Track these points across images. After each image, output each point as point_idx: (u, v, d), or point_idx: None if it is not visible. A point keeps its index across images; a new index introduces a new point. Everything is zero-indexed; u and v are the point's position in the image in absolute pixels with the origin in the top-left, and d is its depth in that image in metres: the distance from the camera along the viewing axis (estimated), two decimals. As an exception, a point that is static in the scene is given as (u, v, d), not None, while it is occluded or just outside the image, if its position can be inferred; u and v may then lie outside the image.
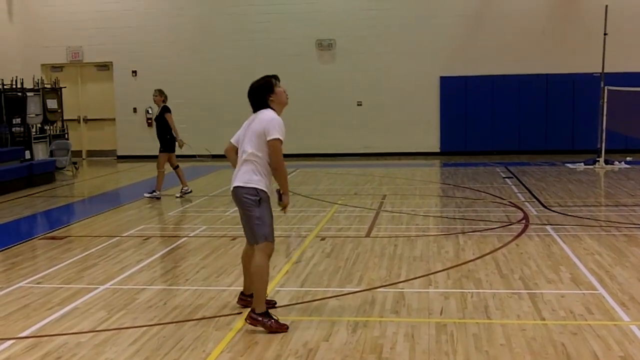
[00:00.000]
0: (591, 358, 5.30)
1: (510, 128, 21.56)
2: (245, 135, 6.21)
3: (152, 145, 22.99)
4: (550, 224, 10.38)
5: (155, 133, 14.20)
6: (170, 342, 5.84)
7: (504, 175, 16.56)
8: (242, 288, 6.80)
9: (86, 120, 23.87)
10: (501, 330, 5.94)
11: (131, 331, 6.16)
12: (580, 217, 10.98)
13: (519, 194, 13.55)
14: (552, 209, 11.83)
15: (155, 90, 14.25)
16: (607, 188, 14.62)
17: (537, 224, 10.51)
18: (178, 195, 14.05)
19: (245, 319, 6.08)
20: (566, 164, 18.31)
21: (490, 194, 13.68)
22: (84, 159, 23.61)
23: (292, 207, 12.37)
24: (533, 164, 18.85)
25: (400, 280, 7.63)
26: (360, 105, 22.28)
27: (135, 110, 23.31)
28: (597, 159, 17.91)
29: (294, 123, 21.21)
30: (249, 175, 6.10)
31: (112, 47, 22.97)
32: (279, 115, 6.21)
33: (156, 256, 9.04)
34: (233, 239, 9.81)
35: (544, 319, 6.18)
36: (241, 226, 6.35)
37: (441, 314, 6.39)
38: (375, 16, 21.89)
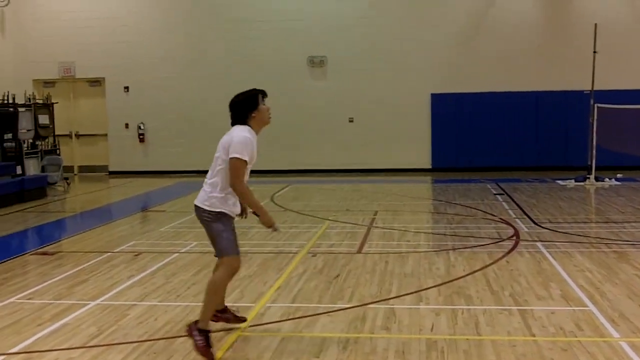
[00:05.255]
0: (581, 374, 5.33)
1: (501, 145, 21.67)
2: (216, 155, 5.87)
3: (144, 161, 23.21)
4: (541, 241, 10.42)
5: None
6: (161, 358, 5.84)
7: (495, 192, 16.61)
8: (230, 305, 6.79)
9: (78, 136, 23.84)
10: (491, 346, 5.95)
11: (122, 347, 6.15)
12: (571, 234, 11.03)
13: (509, 211, 13.60)
14: (543, 225, 11.88)
15: None
16: (597, 205, 14.69)
17: (527, 240, 10.55)
18: None
19: (186, 327, 6.01)
20: (557, 181, 18.39)
21: (481, 211, 13.72)
22: (75, 174, 23.57)
23: (284, 224, 12.41)
24: (524, 181, 18.92)
25: (391, 296, 7.64)
26: (352, 121, 22.36)
27: (127, 125, 23.31)
28: (588, 175, 18.00)
29: (286, 139, 21.58)
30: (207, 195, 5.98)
31: (104, 63, 22.99)
32: (256, 134, 5.89)
33: (147, 272, 9.02)
34: (224, 255, 9.77)
35: (534, 335, 6.20)
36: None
37: (432, 330, 6.40)
38: (366, 33, 22.01)
